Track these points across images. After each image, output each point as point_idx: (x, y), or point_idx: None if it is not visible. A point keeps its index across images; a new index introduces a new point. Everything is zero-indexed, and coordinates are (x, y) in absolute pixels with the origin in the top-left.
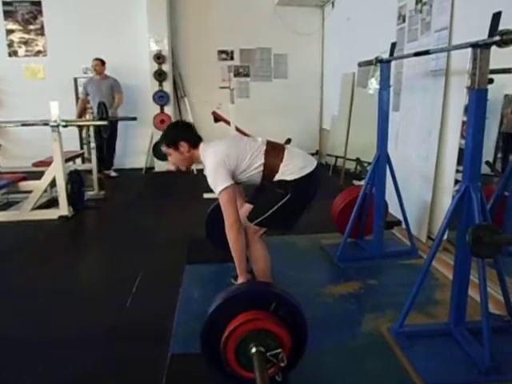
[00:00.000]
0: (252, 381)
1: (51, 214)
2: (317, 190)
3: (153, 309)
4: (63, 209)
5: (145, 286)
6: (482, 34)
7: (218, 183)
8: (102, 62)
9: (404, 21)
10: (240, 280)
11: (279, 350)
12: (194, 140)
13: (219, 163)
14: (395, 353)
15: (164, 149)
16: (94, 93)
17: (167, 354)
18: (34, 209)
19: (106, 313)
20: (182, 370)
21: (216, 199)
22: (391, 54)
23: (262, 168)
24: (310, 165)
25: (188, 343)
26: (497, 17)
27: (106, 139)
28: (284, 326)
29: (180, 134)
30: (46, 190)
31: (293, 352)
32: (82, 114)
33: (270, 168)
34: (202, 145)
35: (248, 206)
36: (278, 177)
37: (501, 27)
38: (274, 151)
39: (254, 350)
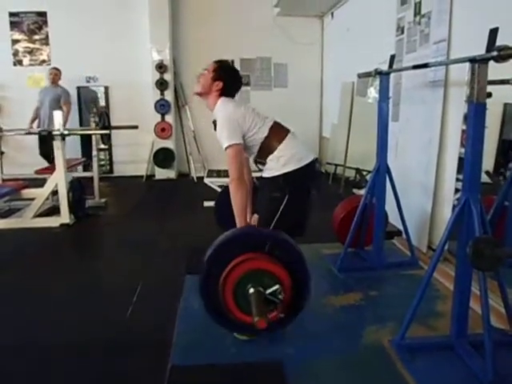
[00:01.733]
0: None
1: (53, 222)
2: (314, 181)
3: (153, 319)
4: (64, 217)
5: (145, 296)
6: (481, 46)
7: (227, 137)
8: (59, 71)
9: (403, 32)
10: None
11: (277, 287)
12: (228, 94)
13: (233, 119)
14: (396, 366)
15: (211, 65)
16: (42, 102)
17: (167, 366)
18: (35, 216)
19: (107, 323)
20: (182, 382)
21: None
22: (390, 66)
23: (261, 141)
24: (307, 157)
25: (188, 354)
26: (494, 32)
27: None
28: (281, 264)
29: (229, 79)
30: (47, 198)
31: (294, 293)
32: (33, 121)
33: (268, 145)
34: (223, 97)
35: (256, 218)
36: (272, 162)
37: (499, 41)
38: (278, 130)
39: (251, 290)
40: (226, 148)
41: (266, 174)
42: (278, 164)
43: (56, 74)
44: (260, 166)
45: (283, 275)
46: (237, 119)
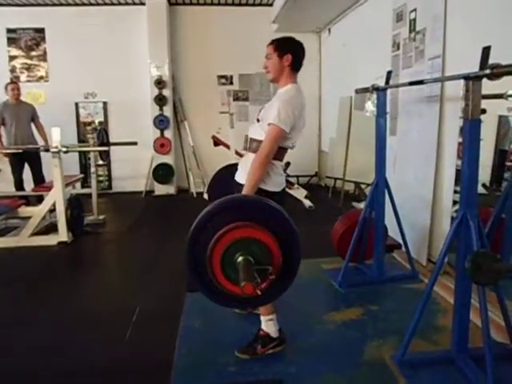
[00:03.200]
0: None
1: (50, 240)
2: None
3: (153, 339)
4: (62, 235)
5: (145, 315)
6: (475, 63)
7: (279, 117)
8: (19, 86)
9: (398, 48)
10: None
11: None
12: (298, 66)
13: (295, 110)
14: (399, 382)
15: (269, 48)
16: (11, 120)
17: None
18: (32, 234)
19: (106, 344)
20: None
21: None
22: (387, 81)
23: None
24: (282, 185)
25: (189, 375)
26: (486, 50)
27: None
28: (269, 232)
29: (296, 49)
30: (44, 216)
31: (285, 259)
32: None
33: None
34: (296, 84)
35: None
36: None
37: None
38: (282, 154)
39: (240, 258)
40: (271, 124)
41: (243, 181)
42: (266, 181)
43: (18, 88)
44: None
45: (270, 241)
46: (297, 113)
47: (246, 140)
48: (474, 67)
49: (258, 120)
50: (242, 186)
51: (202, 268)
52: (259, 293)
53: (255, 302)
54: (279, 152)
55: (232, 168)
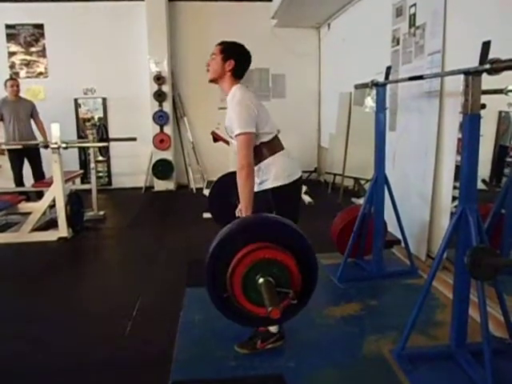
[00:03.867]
0: (267, 318)
1: (50, 236)
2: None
3: (153, 334)
4: (62, 230)
5: (145, 310)
6: (475, 58)
7: (241, 124)
8: (18, 82)
9: (398, 43)
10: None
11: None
12: (241, 73)
13: (251, 106)
14: (398, 376)
15: (216, 48)
16: (10, 116)
17: (168, 382)
18: (33, 230)
19: (106, 338)
20: None
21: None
22: (386, 77)
23: (257, 144)
24: (296, 174)
25: (189, 369)
26: (486, 45)
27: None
28: (289, 253)
29: (239, 55)
30: (45, 212)
31: (303, 279)
32: None
33: (259, 152)
34: (239, 84)
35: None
36: (258, 172)
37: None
38: (276, 143)
39: (261, 280)
40: (239, 135)
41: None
42: (267, 175)
43: (17, 85)
44: None
45: (291, 263)
46: (254, 108)
47: None
48: (473, 62)
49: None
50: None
51: (221, 287)
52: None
53: (271, 322)
54: (267, 146)
55: (232, 177)
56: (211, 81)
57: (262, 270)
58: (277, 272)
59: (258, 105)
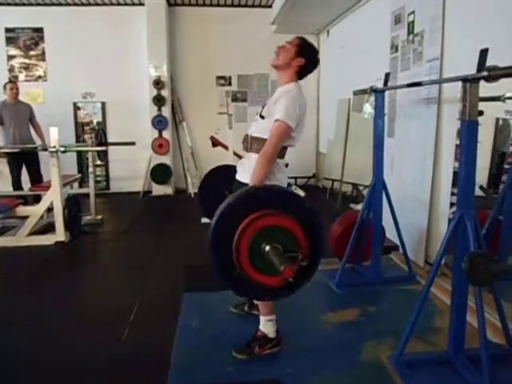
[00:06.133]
0: (274, 286)
1: (48, 240)
2: None
3: (150, 339)
4: (60, 234)
5: (142, 315)
6: (473, 65)
7: (285, 113)
8: (17, 86)
9: (397, 50)
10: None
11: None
12: (304, 75)
13: (301, 107)
14: (395, 382)
15: (293, 40)
16: (10, 120)
17: None
18: (30, 234)
19: (103, 343)
20: None
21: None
22: (385, 83)
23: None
24: (285, 184)
25: (187, 374)
26: (484, 53)
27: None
28: (294, 219)
29: (311, 58)
30: (42, 216)
31: (310, 244)
32: None
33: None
34: (298, 83)
35: None
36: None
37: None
38: (283, 153)
39: (267, 248)
40: (278, 121)
41: (245, 180)
42: (270, 175)
43: (17, 88)
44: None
45: (294, 226)
46: (302, 110)
47: (246, 139)
48: (471, 69)
49: (263, 117)
50: (245, 185)
51: (229, 265)
52: (291, 280)
53: (288, 290)
54: (281, 150)
55: (223, 169)
56: (274, 66)
57: (267, 239)
58: (282, 237)
59: (303, 111)
